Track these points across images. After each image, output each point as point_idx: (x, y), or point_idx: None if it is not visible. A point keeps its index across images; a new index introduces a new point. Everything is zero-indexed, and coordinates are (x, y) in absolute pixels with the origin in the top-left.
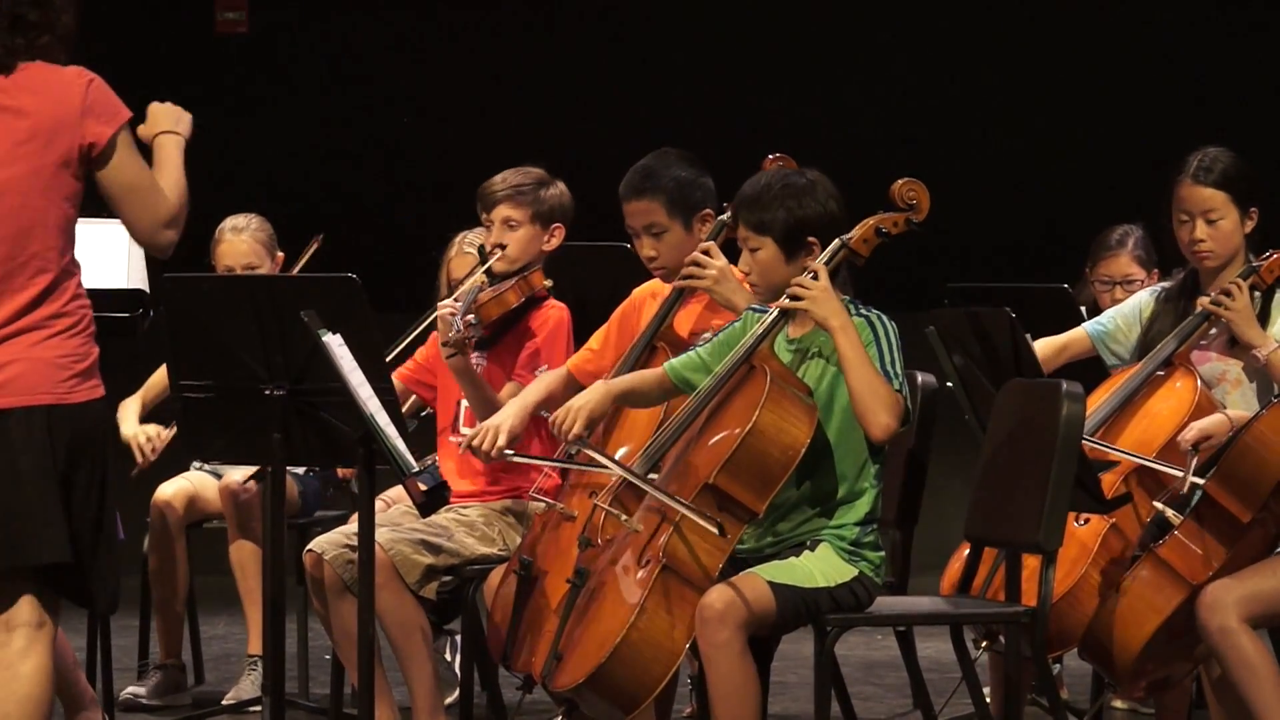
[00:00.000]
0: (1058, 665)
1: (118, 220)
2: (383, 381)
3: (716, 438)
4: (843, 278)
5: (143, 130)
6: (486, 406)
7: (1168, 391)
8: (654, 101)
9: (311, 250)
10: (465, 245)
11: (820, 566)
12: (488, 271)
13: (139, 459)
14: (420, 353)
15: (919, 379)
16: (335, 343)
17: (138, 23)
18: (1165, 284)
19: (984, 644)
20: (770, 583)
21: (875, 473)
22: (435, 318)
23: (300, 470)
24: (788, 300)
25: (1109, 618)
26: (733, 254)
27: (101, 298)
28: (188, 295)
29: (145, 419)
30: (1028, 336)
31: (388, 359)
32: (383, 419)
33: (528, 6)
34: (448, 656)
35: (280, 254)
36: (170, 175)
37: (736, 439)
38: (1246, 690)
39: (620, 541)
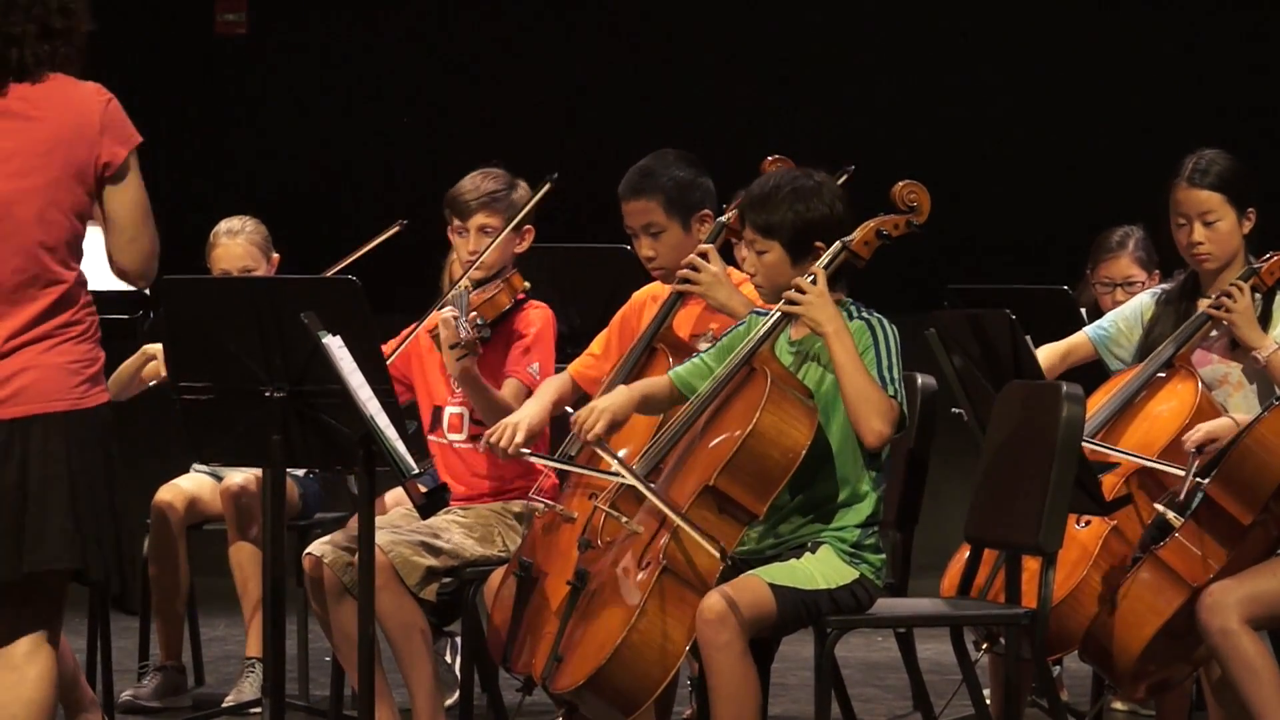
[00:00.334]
0: (1058, 667)
1: None
2: (383, 383)
3: (717, 440)
4: (841, 280)
5: None
6: (492, 407)
7: (1169, 394)
8: (654, 102)
9: (391, 233)
10: None
11: (821, 568)
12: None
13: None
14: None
15: (919, 381)
16: (335, 344)
17: (137, 24)
18: (1166, 286)
19: (984, 646)
20: (771, 584)
21: (876, 475)
22: (423, 325)
23: (300, 472)
24: (785, 305)
25: (1109, 619)
26: (732, 255)
27: (102, 300)
28: (188, 297)
29: (142, 395)
30: (1028, 338)
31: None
32: (383, 421)
33: (528, 7)
34: (448, 658)
35: (276, 255)
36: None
37: (737, 441)
38: (1247, 691)
39: (620, 543)
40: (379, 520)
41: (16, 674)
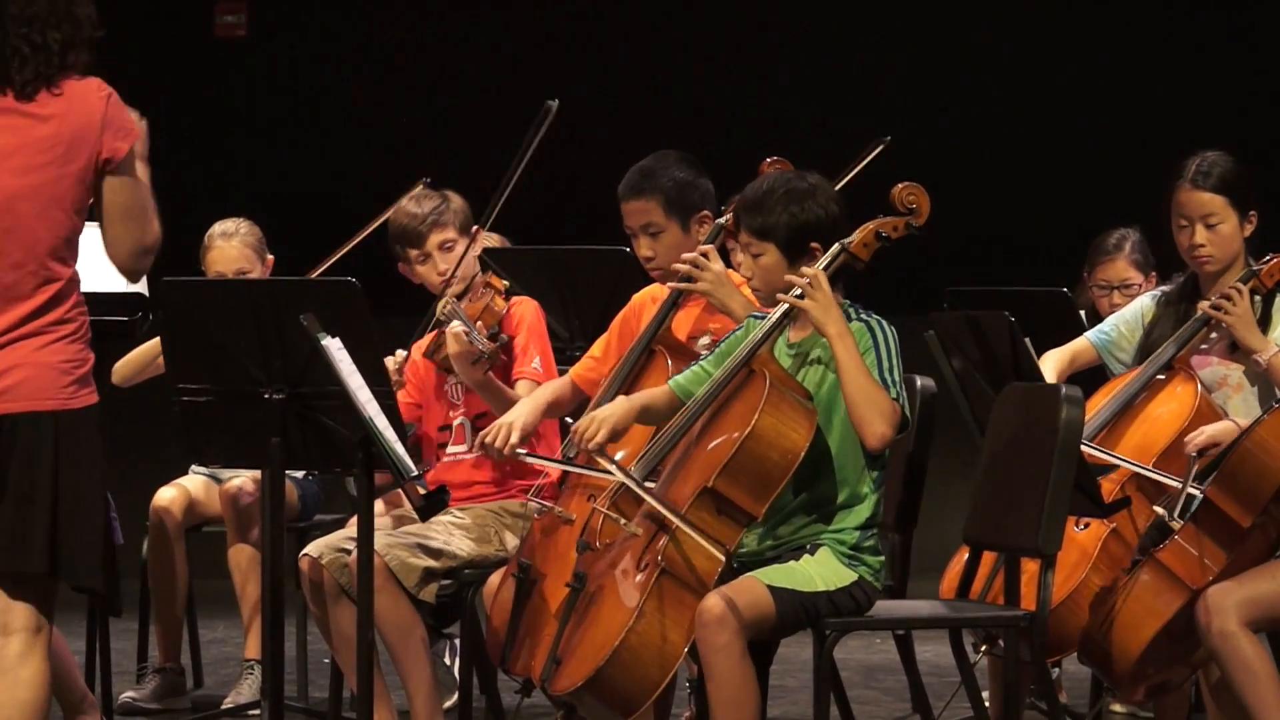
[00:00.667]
0: (1057, 669)
1: None
2: (382, 385)
3: (716, 441)
4: (839, 282)
5: None
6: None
7: (1168, 396)
8: (654, 102)
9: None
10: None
11: (820, 570)
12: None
13: None
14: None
15: (918, 383)
16: (334, 346)
17: (136, 25)
18: (1166, 287)
19: (983, 648)
20: (770, 586)
21: (876, 477)
22: (418, 349)
23: (299, 474)
24: (793, 296)
25: (1108, 622)
26: (731, 256)
27: (101, 301)
28: (187, 298)
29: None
30: (1027, 340)
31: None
32: (381, 423)
33: (528, 8)
34: (446, 660)
35: (270, 257)
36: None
37: (735, 443)
38: (1246, 693)
39: (619, 545)
40: (375, 521)
41: (10, 675)
